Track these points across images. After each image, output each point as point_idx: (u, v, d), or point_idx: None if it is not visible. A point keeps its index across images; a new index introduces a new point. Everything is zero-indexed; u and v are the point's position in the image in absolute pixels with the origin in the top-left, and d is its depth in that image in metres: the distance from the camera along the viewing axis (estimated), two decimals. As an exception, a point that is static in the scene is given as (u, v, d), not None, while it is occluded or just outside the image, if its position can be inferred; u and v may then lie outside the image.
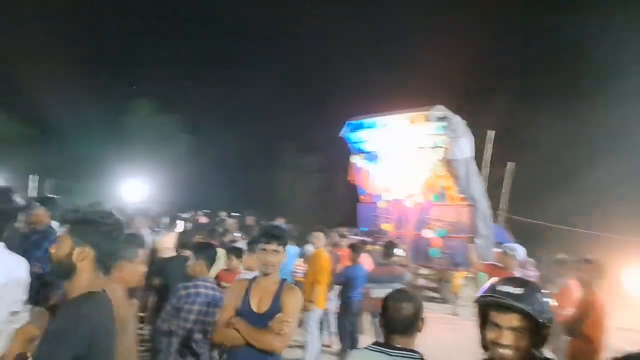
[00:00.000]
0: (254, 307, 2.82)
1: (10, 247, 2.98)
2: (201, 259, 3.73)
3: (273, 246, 2.86)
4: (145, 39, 29.36)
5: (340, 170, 14.09)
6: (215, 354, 3.57)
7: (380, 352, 2.20)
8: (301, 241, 8.22)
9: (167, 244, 6.03)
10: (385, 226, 11.02)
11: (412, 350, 2.20)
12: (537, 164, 19.16)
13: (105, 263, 1.75)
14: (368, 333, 6.56)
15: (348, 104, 17.73)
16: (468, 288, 11.49)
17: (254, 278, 2.97)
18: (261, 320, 2.76)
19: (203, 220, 12.31)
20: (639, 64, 17.46)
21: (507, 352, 1.63)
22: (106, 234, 1.73)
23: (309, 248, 7.04)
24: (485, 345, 1.72)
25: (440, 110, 9.69)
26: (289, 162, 26.85)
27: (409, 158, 10.65)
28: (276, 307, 2.79)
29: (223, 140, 24.98)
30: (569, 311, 4.24)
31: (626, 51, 18.70)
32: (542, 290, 1.72)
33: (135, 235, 2.73)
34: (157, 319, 3.79)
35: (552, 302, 1.71)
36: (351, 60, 31.10)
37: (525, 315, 1.61)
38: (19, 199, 3.21)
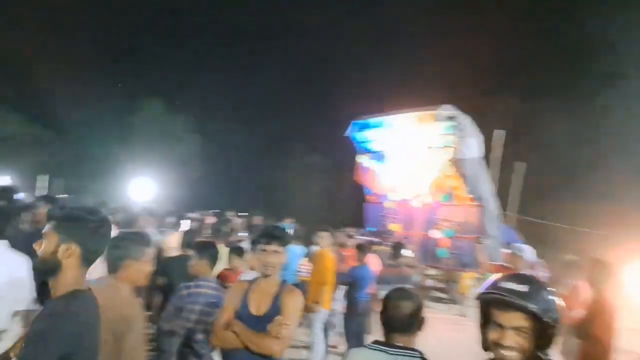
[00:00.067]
0: (253, 310, 2.74)
1: (15, 246, 2.99)
2: (204, 258, 3.70)
3: (273, 247, 2.76)
4: (155, 40, 29.56)
5: (347, 170, 14.06)
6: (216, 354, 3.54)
7: (379, 350, 2.17)
8: (308, 241, 8.20)
9: (172, 243, 6.05)
10: (393, 226, 10.97)
11: (412, 349, 2.16)
12: (547, 164, 18.97)
13: (91, 261, 1.71)
14: (376, 334, 6.50)
15: (355, 104, 17.65)
16: (476, 289, 11.36)
17: (254, 279, 2.90)
18: (260, 323, 2.68)
19: (211, 220, 12.31)
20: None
21: (510, 353, 1.49)
22: (92, 230, 1.69)
23: (315, 248, 7.01)
24: (487, 346, 1.58)
25: (448, 109, 9.62)
26: (296, 162, 26.89)
27: (417, 158, 10.60)
28: (275, 309, 2.71)
29: (231, 141, 25.09)
30: (579, 313, 4.17)
31: (637, 52, 18.44)
32: (549, 289, 1.57)
33: (141, 234, 2.69)
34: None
35: (561, 304, 1.61)
36: (358, 59, 31.02)
37: (529, 314, 1.47)
38: (22, 198, 3.21)
